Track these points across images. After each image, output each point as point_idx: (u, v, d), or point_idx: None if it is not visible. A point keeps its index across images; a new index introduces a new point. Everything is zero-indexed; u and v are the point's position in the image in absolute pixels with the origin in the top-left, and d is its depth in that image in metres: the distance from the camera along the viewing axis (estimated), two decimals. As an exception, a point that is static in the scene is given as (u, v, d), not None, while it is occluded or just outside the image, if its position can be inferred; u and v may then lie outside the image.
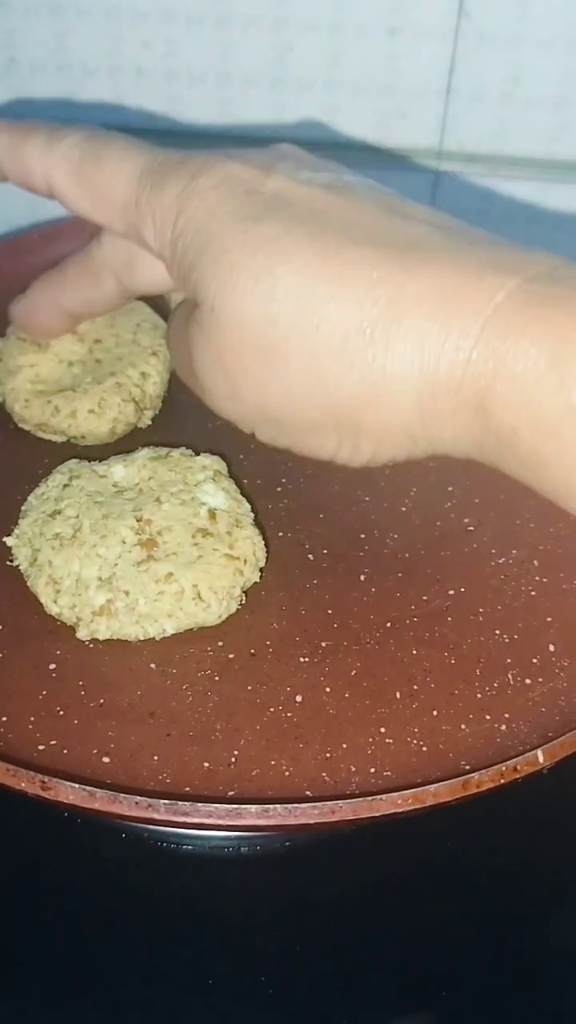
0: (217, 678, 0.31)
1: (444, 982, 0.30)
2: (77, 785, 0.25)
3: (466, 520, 0.36)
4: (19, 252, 0.47)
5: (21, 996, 0.29)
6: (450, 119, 0.49)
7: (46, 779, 0.25)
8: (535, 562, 0.34)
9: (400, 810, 0.25)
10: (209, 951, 0.30)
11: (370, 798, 0.25)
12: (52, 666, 0.30)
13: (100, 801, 0.25)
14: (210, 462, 0.35)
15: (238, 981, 0.29)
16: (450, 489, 0.37)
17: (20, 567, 0.32)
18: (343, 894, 0.31)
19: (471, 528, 0.35)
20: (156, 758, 0.28)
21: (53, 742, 0.28)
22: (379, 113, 0.49)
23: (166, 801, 0.25)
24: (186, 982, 0.29)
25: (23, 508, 0.34)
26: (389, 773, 0.28)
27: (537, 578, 0.34)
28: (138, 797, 0.25)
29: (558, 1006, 0.29)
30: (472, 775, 0.25)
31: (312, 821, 0.25)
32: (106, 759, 0.28)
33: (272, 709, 0.30)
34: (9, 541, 0.33)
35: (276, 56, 0.48)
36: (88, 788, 0.25)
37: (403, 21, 0.47)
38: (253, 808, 0.25)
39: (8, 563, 0.33)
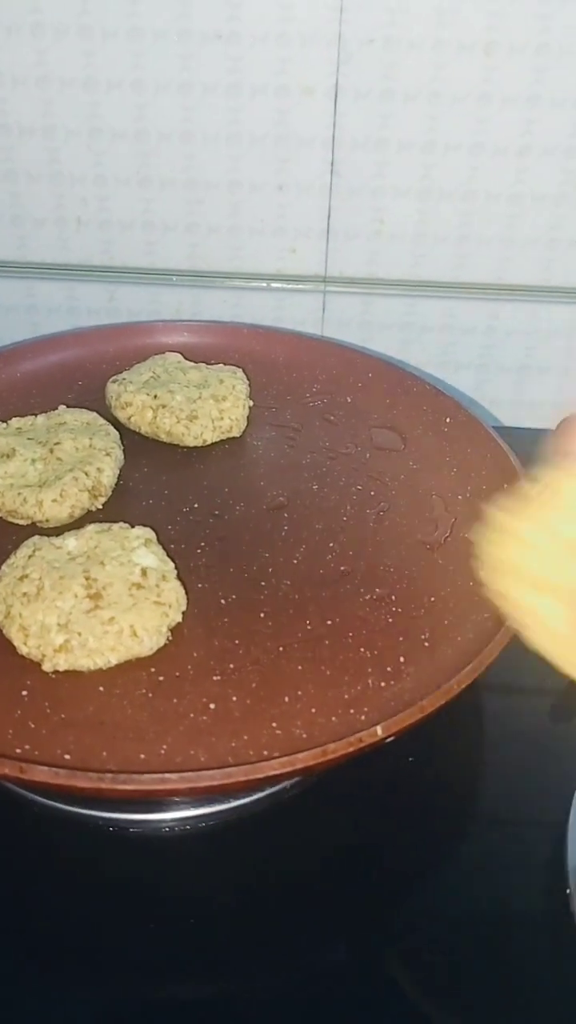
0: (150, 695, 0.40)
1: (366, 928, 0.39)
2: (46, 767, 0.35)
3: (342, 568, 0.46)
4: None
5: None
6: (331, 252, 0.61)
7: (23, 764, 0.35)
8: (393, 597, 0.45)
9: (277, 772, 0.35)
10: (154, 917, 0.39)
11: (253, 764, 0.35)
12: (24, 692, 0.40)
13: (62, 777, 0.34)
14: (142, 532, 0.45)
15: (175, 936, 0.39)
16: (331, 544, 0.48)
17: (-3, 619, 0.42)
18: (256, 864, 0.41)
19: (345, 573, 0.46)
20: (105, 754, 0.38)
21: (27, 746, 0.38)
22: (276, 248, 0.62)
23: (110, 773, 0.35)
24: (138, 944, 0.38)
25: (-2, 575, 0.44)
26: (277, 755, 0.37)
27: (394, 608, 0.44)
28: (91, 772, 0.35)
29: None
30: (329, 744, 0.36)
31: (216, 783, 0.35)
32: (67, 756, 0.37)
33: (192, 715, 0.39)
34: (-13, 601, 0.43)
35: (189, 208, 0.60)
36: (54, 768, 0.35)
37: (287, 178, 0.59)
38: (174, 775, 0.35)
39: (-13, 617, 0.42)
